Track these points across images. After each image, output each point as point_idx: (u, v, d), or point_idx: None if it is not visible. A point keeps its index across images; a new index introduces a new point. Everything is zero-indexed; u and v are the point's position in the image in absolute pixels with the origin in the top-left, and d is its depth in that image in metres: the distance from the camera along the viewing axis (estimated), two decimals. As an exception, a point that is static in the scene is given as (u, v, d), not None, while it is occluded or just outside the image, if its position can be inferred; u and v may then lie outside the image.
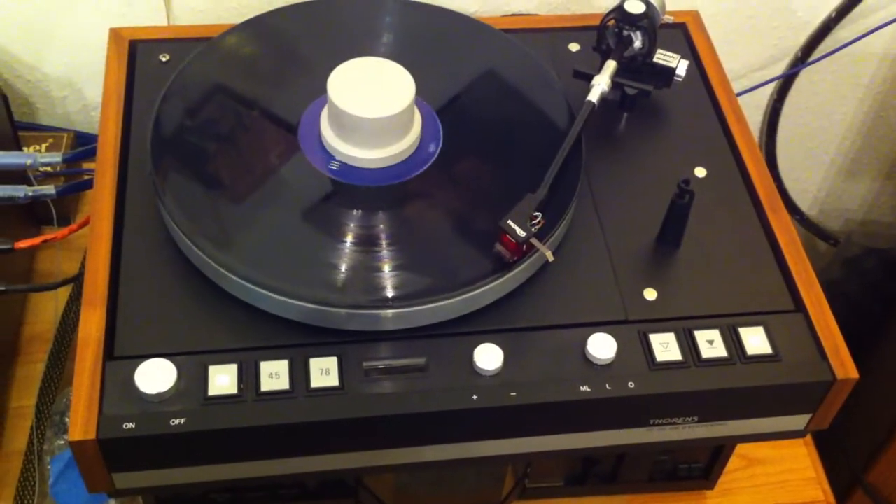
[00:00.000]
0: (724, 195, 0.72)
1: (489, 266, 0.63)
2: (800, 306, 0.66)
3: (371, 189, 0.67)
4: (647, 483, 0.79)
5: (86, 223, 0.70)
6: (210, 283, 0.64)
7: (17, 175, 0.83)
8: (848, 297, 1.27)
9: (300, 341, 0.62)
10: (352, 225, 0.66)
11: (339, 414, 0.59)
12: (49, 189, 0.79)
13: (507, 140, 0.72)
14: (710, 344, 0.63)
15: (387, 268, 0.63)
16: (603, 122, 0.76)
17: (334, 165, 0.68)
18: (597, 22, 0.75)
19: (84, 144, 0.96)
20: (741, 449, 0.83)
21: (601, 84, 0.71)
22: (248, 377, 0.60)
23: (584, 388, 0.61)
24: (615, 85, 0.73)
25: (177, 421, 0.58)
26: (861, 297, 1.27)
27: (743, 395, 0.63)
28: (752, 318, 0.65)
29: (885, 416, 1.13)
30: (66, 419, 0.80)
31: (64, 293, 0.89)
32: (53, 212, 0.91)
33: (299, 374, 0.60)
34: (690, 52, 0.82)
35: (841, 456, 1.19)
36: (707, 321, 0.65)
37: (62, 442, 0.79)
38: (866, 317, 1.26)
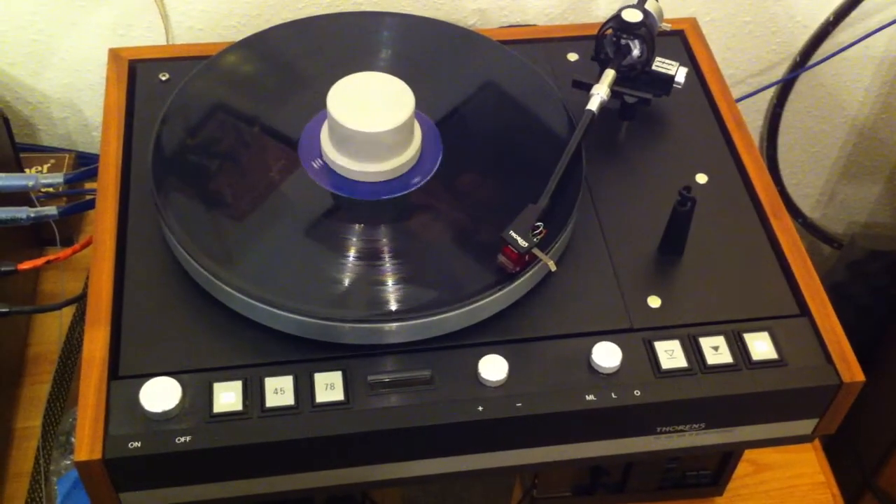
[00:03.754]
0: (726, 201, 0.72)
1: (492, 277, 0.63)
2: (804, 310, 0.66)
3: (373, 203, 0.68)
4: (655, 491, 0.79)
5: (88, 243, 0.70)
6: (213, 301, 0.64)
7: (19, 197, 0.83)
8: (853, 300, 1.27)
9: (304, 357, 0.62)
10: (354, 239, 0.66)
11: (344, 429, 0.59)
12: (51, 210, 0.79)
13: (508, 151, 0.72)
14: (716, 350, 0.63)
15: (390, 281, 0.63)
16: (603, 131, 0.76)
17: (335, 181, 0.68)
18: (595, 31, 0.75)
19: (85, 164, 0.97)
20: (749, 454, 0.82)
21: (600, 93, 0.71)
22: (253, 393, 0.60)
23: (590, 398, 0.61)
24: (614, 94, 0.73)
25: (182, 439, 0.58)
26: (866, 300, 1.27)
27: (749, 400, 0.63)
28: (756, 324, 0.65)
29: (894, 418, 1.13)
30: (72, 439, 0.80)
31: (68, 313, 0.89)
32: (56, 232, 0.91)
33: (304, 389, 0.60)
34: (689, 59, 0.82)
35: (850, 460, 1.18)
36: (712, 328, 0.65)
37: (68, 462, 0.79)
38: (872, 319, 1.26)
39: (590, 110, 0.70)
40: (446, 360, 0.62)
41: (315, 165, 0.69)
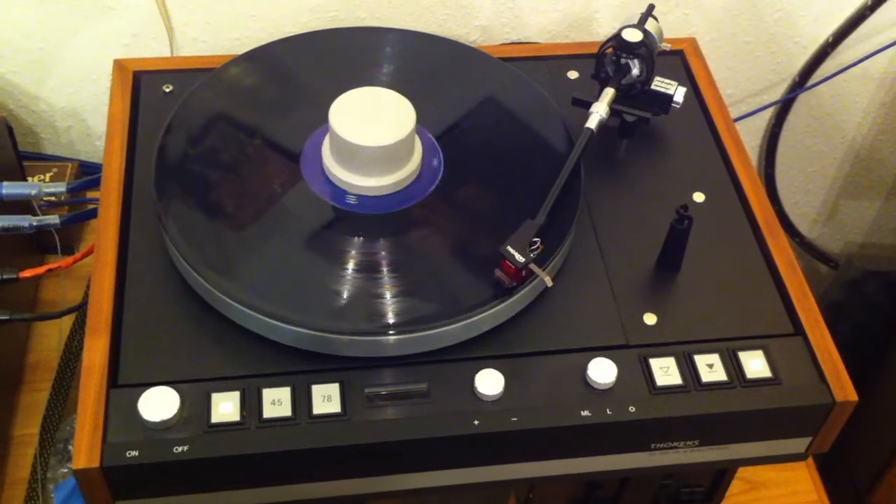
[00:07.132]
0: (723, 220, 0.73)
1: (489, 292, 0.63)
2: (799, 330, 0.67)
3: (373, 216, 0.68)
4: (649, 507, 0.80)
5: (90, 252, 0.70)
6: (213, 311, 0.64)
7: (22, 205, 0.83)
8: (849, 319, 1.28)
9: (302, 368, 0.62)
10: (353, 252, 0.66)
11: (341, 440, 0.59)
12: (54, 218, 0.80)
13: (507, 167, 0.73)
14: (710, 368, 0.64)
15: (388, 294, 0.64)
16: (602, 149, 0.77)
17: (336, 194, 0.69)
18: (595, 50, 0.75)
19: (88, 174, 0.97)
20: (744, 472, 0.83)
21: (600, 111, 0.72)
22: (251, 404, 0.60)
23: (585, 413, 0.61)
24: (614, 112, 0.73)
25: (180, 448, 0.58)
26: (862, 320, 1.28)
27: (743, 418, 0.63)
28: (751, 342, 0.65)
29: (888, 437, 1.13)
30: (70, 447, 0.80)
31: (68, 322, 0.89)
32: (58, 241, 0.91)
33: (302, 400, 0.61)
34: (688, 79, 0.83)
35: (844, 478, 1.19)
36: (707, 345, 0.65)
37: (66, 470, 0.80)
38: (867, 339, 1.26)
39: (589, 128, 0.71)
40: (443, 374, 0.62)
41: (316, 178, 0.70)
